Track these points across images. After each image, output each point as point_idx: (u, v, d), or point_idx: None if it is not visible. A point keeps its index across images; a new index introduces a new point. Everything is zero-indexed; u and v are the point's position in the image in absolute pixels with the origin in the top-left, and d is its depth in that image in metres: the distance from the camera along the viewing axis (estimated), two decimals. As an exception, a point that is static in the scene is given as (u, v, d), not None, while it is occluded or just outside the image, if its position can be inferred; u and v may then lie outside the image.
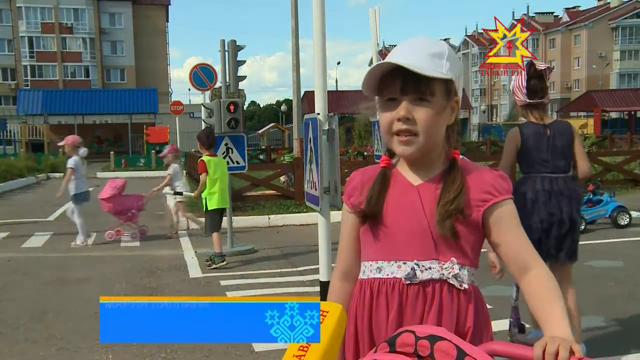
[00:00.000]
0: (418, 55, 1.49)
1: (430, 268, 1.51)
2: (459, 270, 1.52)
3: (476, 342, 1.38)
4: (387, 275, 1.55)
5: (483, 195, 1.52)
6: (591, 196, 9.54)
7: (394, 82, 1.50)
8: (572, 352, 1.21)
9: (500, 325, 4.89)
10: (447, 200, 1.50)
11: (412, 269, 1.52)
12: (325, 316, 1.27)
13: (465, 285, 1.52)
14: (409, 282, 1.52)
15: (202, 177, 7.64)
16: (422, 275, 1.51)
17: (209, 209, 7.68)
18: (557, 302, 1.43)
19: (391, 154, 1.63)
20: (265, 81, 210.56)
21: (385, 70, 1.50)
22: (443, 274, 1.51)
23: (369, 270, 1.60)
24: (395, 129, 1.51)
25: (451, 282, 1.51)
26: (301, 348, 1.24)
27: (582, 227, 8.98)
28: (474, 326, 1.52)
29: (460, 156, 1.59)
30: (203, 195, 7.71)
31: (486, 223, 1.53)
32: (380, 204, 1.58)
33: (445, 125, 1.56)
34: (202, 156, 7.89)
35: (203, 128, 8.36)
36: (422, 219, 1.52)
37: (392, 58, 1.49)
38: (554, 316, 1.39)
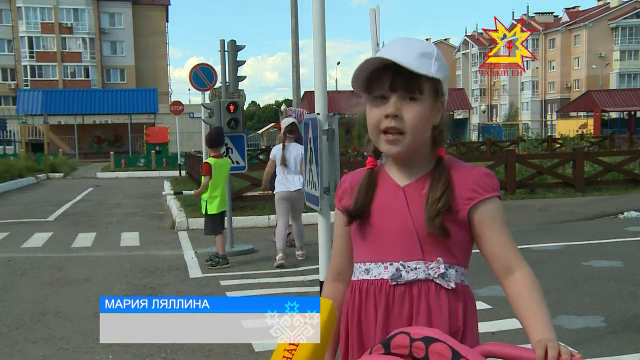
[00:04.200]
0: (408, 53, 1.49)
1: (416, 268, 1.51)
2: (446, 269, 1.51)
3: (465, 343, 1.38)
4: (375, 276, 1.55)
5: (469, 193, 1.52)
6: None
7: (383, 79, 1.50)
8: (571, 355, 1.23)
9: (500, 325, 4.90)
10: (435, 198, 1.49)
11: (398, 269, 1.52)
12: None
13: (453, 285, 1.51)
14: (394, 282, 1.52)
15: (204, 179, 7.51)
16: (408, 276, 1.51)
17: (209, 213, 7.62)
18: (542, 305, 1.43)
19: (377, 154, 1.64)
20: (266, 81, 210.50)
21: (374, 67, 1.51)
22: (429, 274, 1.51)
23: (359, 271, 1.61)
24: (383, 126, 1.51)
25: (438, 281, 1.51)
26: (292, 342, 1.24)
27: None
28: (464, 326, 1.51)
29: (447, 155, 1.59)
30: (204, 197, 7.61)
31: (472, 221, 1.52)
32: (367, 205, 1.58)
33: (431, 125, 1.55)
34: (204, 156, 7.82)
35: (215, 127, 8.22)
36: (407, 220, 1.52)
37: (384, 55, 1.49)
38: (541, 319, 1.39)
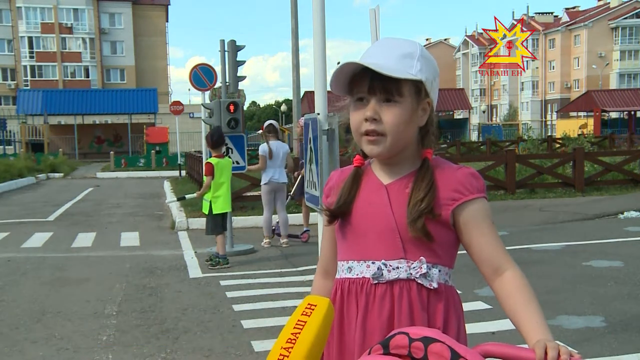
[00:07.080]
0: (388, 55, 1.48)
1: (397, 268, 1.50)
2: (429, 269, 1.50)
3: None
4: (357, 275, 1.54)
5: (453, 194, 1.50)
6: None
7: (363, 82, 1.49)
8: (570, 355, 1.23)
9: (500, 325, 4.89)
10: (418, 200, 1.48)
11: (379, 268, 1.51)
12: (312, 310, 1.27)
13: (435, 285, 1.50)
14: (376, 281, 1.51)
15: (207, 179, 7.52)
16: (389, 275, 1.50)
17: (214, 212, 7.61)
18: (536, 306, 1.42)
19: (365, 153, 1.63)
20: (267, 81, 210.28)
21: (355, 70, 1.50)
22: (411, 274, 1.50)
23: (342, 270, 1.60)
24: (364, 129, 1.51)
25: (419, 281, 1.49)
26: (289, 341, 1.24)
27: None
28: (444, 326, 1.51)
29: (434, 156, 1.58)
30: (207, 197, 7.61)
31: (456, 222, 1.51)
32: (349, 203, 1.57)
33: (416, 126, 1.54)
34: (207, 156, 7.81)
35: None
36: (389, 218, 1.51)
37: (362, 58, 1.49)
38: (536, 320, 1.39)
